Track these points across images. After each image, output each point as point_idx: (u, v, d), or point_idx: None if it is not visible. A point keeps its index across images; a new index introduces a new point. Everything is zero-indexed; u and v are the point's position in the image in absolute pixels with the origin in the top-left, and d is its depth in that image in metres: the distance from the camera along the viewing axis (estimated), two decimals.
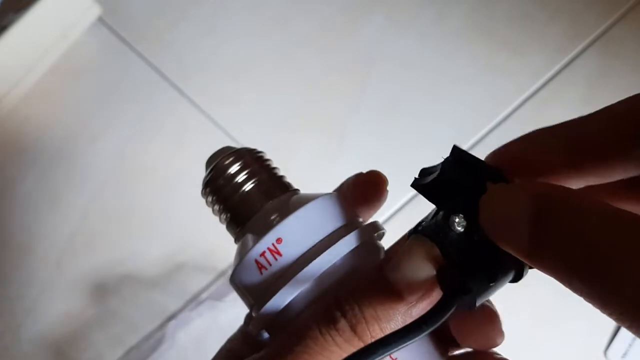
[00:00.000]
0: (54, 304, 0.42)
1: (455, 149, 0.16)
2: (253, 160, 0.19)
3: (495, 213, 0.13)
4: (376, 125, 0.49)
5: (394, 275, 0.14)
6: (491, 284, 0.15)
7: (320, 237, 0.17)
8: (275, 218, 0.18)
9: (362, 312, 0.14)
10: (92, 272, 0.43)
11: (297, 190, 0.20)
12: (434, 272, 0.14)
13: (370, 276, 0.15)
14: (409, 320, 0.14)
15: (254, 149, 0.20)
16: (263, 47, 0.53)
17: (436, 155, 0.43)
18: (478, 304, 0.15)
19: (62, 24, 0.51)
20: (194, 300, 0.42)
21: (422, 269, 0.14)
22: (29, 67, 0.50)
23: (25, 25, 0.48)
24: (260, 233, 0.17)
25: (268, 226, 0.17)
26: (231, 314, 0.40)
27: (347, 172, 0.50)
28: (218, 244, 0.44)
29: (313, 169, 0.47)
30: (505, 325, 0.45)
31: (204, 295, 0.42)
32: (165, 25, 0.55)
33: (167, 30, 0.54)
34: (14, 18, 0.48)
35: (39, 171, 0.47)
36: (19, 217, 0.46)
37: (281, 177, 0.20)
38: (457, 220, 0.14)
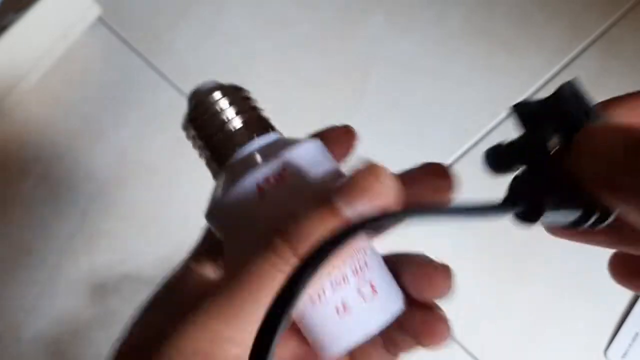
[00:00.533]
0: (54, 303, 0.42)
1: (572, 84, 0.16)
2: (240, 98, 0.19)
3: (595, 146, 0.14)
4: (376, 125, 0.49)
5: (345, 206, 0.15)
6: (559, 209, 0.15)
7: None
8: (269, 152, 0.18)
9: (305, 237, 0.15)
10: (92, 272, 0.43)
11: (279, 132, 0.20)
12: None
13: (320, 203, 0.15)
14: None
15: (241, 87, 0.20)
16: (263, 48, 0.53)
17: (436, 156, 0.43)
18: (540, 221, 0.15)
19: (62, 24, 0.51)
20: None
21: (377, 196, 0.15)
22: (30, 67, 0.50)
23: (26, 26, 0.48)
24: (251, 165, 0.17)
25: (263, 158, 0.17)
26: None
27: (347, 172, 0.50)
28: None
29: None
30: (506, 325, 0.45)
31: None
32: (165, 25, 0.55)
33: (167, 30, 0.54)
34: (14, 18, 0.48)
35: (40, 171, 0.47)
36: (19, 216, 0.46)
37: (267, 118, 0.20)
38: (553, 139, 0.15)
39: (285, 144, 0.18)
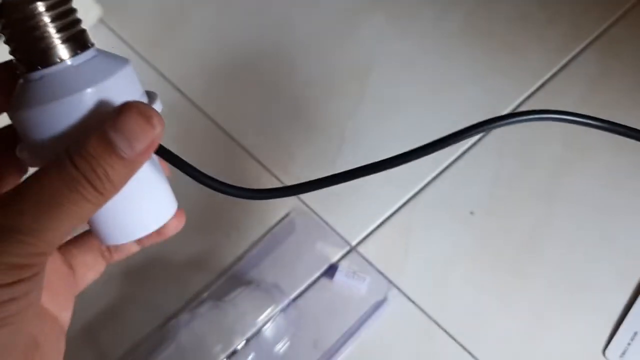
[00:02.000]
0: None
1: None
2: (61, 9, 0.18)
3: None
4: (376, 125, 0.49)
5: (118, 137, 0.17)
6: None
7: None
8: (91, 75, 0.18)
9: (86, 160, 0.17)
10: None
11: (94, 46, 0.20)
12: (155, 130, 0.18)
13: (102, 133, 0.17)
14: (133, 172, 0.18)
15: None
16: (263, 48, 0.54)
17: (435, 155, 0.43)
18: None
19: None
20: (195, 300, 0.42)
21: (146, 130, 0.18)
22: None
23: None
24: (72, 87, 0.18)
25: (82, 82, 0.18)
26: (232, 314, 0.40)
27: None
28: (218, 243, 0.44)
29: (313, 169, 0.47)
30: (505, 324, 0.45)
31: (204, 295, 0.42)
32: (166, 26, 0.55)
33: (168, 31, 0.55)
34: None
35: None
36: None
37: (83, 30, 0.20)
38: None
39: (101, 66, 0.19)
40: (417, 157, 0.21)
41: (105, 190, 0.17)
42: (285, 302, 0.41)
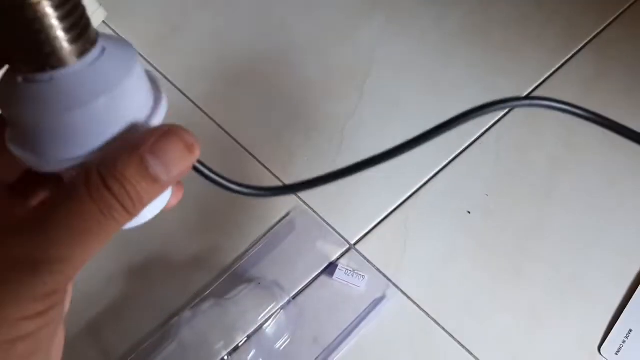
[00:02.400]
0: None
1: None
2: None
3: None
4: (375, 125, 0.49)
5: (155, 164, 0.17)
6: None
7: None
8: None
9: (121, 183, 0.16)
10: (95, 271, 0.44)
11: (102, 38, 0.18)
12: (193, 158, 0.18)
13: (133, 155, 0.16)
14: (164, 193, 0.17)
15: None
16: (264, 50, 0.54)
17: (434, 155, 0.44)
18: None
19: None
20: (197, 298, 0.42)
21: (185, 158, 0.17)
22: None
23: None
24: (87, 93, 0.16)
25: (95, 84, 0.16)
26: (233, 311, 0.40)
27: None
28: (220, 242, 0.45)
29: (313, 169, 0.48)
30: (501, 322, 0.46)
31: (206, 293, 0.43)
32: (169, 29, 0.55)
33: (171, 33, 0.55)
34: None
35: None
36: None
37: (90, 22, 0.17)
38: None
39: (114, 63, 0.17)
40: (411, 149, 0.20)
41: (136, 211, 0.17)
42: (286, 299, 0.41)
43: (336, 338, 0.41)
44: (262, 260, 0.44)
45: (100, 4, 0.54)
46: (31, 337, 0.16)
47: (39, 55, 0.16)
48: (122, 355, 0.41)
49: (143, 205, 0.17)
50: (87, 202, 0.16)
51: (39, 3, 0.15)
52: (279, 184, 0.47)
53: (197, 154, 0.18)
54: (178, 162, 0.17)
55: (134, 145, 0.16)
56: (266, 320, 0.40)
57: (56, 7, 0.16)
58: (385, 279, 0.43)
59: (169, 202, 0.22)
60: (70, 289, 0.24)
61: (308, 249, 0.44)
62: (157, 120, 0.18)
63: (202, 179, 0.21)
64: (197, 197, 0.46)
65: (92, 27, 0.17)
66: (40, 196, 0.20)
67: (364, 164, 0.21)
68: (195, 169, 0.19)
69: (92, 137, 0.17)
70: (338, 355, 0.40)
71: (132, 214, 0.17)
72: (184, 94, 0.52)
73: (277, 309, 0.41)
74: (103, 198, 0.16)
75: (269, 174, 0.47)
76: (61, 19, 0.16)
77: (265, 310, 0.41)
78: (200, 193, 0.47)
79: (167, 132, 0.17)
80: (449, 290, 0.43)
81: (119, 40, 0.19)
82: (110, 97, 0.16)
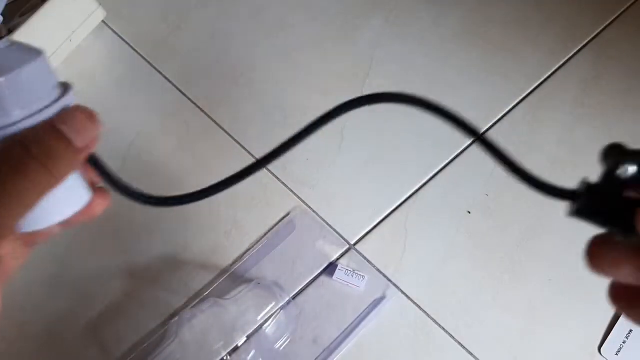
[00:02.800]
0: (59, 301, 0.43)
1: None
2: None
3: None
4: (375, 126, 0.49)
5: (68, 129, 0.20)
6: (591, 216, 0.18)
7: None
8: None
9: (38, 144, 0.19)
10: (96, 270, 0.44)
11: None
12: (96, 126, 0.21)
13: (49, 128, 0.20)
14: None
15: None
16: (264, 50, 0.54)
17: (433, 155, 0.44)
18: (570, 212, 0.18)
19: (67, 27, 0.52)
20: (197, 298, 0.42)
21: (89, 124, 0.21)
22: None
23: (31, 29, 0.49)
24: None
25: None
26: (233, 311, 0.40)
27: (347, 172, 0.51)
28: (220, 242, 0.45)
29: (313, 169, 0.48)
30: (502, 322, 0.46)
31: (206, 293, 0.43)
32: (168, 29, 0.55)
33: (170, 33, 0.55)
34: (19, 22, 0.49)
35: None
36: None
37: None
38: (626, 168, 0.17)
39: (15, 58, 0.20)
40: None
41: (58, 172, 0.19)
42: (286, 299, 0.41)
43: (336, 338, 0.41)
44: (262, 260, 0.44)
45: (100, 4, 0.54)
46: None
47: None
48: (122, 355, 0.41)
49: (62, 165, 0.19)
50: (2, 165, 0.18)
51: None
52: (279, 183, 0.47)
53: (99, 125, 0.21)
54: (85, 127, 0.20)
55: (47, 121, 0.20)
56: (266, 320, 0.40)
57: None
58: (385, 279, 0.43)
59: (94, 209, 0.24)
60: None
61: (308, 249, 0.44)
62: (54, 111, 0.21)
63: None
64: None
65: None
66: None
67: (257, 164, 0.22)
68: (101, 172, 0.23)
69: None
70: (338, 355, 0.40)
71: (53, 173, 0.19)
72: (184, 94, 0.52)
73: (277, 309, 0.41)
74: (19, 160, 0.18)
75: (269, 174, 0.47)
76: None
77: (265, 310, 0.41)
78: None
79: (71, 107, 0.21)
80: (448, 290, 0.43)
81: (30, 45, 0.22)
82: (9, 78, 0.19)
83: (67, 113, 0.20)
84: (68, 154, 0.20)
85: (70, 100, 0.21)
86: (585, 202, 0.18)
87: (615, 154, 0.18)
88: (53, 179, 0.19)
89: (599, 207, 0.18)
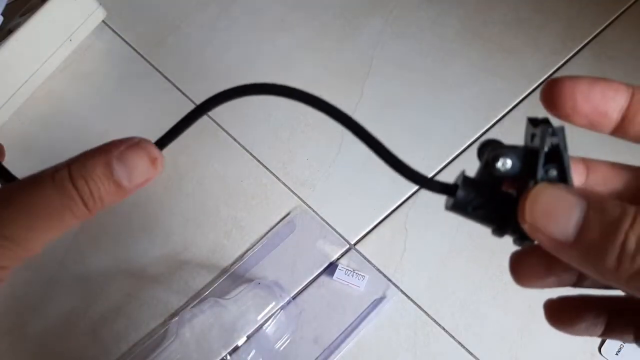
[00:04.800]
0: (59, 301, 0.43)
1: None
2: None
3: (543, 204, 0.16)
4: (374, 126, 0.49)
5: (120, 168, 0.18)
6: (469, 210, 0.18)
7: None
8: None
9: (86, 181, 0.18)
10: (96, 270, 0.44)
11: None
12: (155, 172, 0.19)
13: (102, 158, 0.18)
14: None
15: None
16: (264, 50, 0.54)
17: (433, 155, 0.44)
18: (446, 206, 0.19)
19: (67, 27, 0.52)
20: (197, 298, 0.42)
21: (148, 169, 0.19)
22: (35, 69, 0.51)
23: (32, 29, 0.49)
24: None
25: None
26: (233, 311, 0.40)
27: (347, 172, 0.51)
28: (220, 242, 0.45)
29: (313, 169, 0.48)
30: (502, 322, 0.46)
31: (206, 293, 0.43)
32: (168, 29, 0.56)
33: (170, 33, 0.55)
34: (20, 22, 0.49)
35: None
36: None
37: None
38: (505, 161, 0.17)
39: None
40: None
41: (95, 209, 0.18)
42: (286, 299, 0.41)
43: (336, 338, 0.41)
44: (262, 260, 0.44)
45: (100, 4, 0.54)
46: None
47: None
48: (122, 355, 0.41)
49: (102, 206, 0.18)
50: (50, 192, 0.17)
51: None
52: (279, 183, 0.47)
53: (160, 169, 0.19)
54: (141, 172, 0.19)
55: (105, 150, 0.18)
56: (266, 320, 0.41)
57: None
58: (385, 279, 0.43)
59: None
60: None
61: (308, 248, 0.44)
62: None
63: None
64: (197, 197, 0.46)
65: None
66: None
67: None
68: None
69: None
70: (338, 355, 0.40)
71: (91, 212, 0.18)
72: (184, 94, 0.52)
73: (277, 309, 0.41)
74: (66, 191, 0.17)
75: (269, 174, 0.47)
76: None
77: (265, 310, 0.41)
78: (198, 193, 0.47)
79: (136, 143, 0.19)
80: (448, 290, 0.43)
81: None
82: None
83: (130, 151, 0.19)
84: (111, 196, 0.18)
85: None
86: (462, 196, 0.18)
87: (491, 148, 0.18)
88: (88, 216, 0.18)
89: (477, 201, 0.18)
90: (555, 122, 0.18)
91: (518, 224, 0.16)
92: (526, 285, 0.19)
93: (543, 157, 0.16)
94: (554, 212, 0.15)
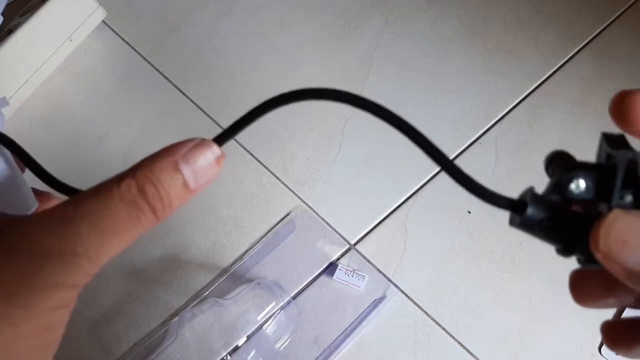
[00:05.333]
0: None
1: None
2: None
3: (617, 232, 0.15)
4: (374, 126, 0.49)
5: (187, 166, 0.18)
6: (536, 229, 0.17)
7: None
8: None
9: (155, 186, 0.17)
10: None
11: None
12: (219, 169, 0.19)
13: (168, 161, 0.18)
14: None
15: None
16: (264, 50, 0.54)
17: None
18: (512, 222, 0.17)
19: (67, 27, 0.52)
20: (197, 298, 0.42)
21: (213, 168, 0.18)
22: (35, 69, 0.51)
23: (32, 29, 0.49)
24: None
25: None
26: (233, 311, 0.40)
27: (347, 172, 0.52)
28: (220, 242, 0.45)
29: (313, 169, 0.48)
30: (501, 322, 0.46)
31: (206, 293, 0.43)
32: (168, 29, 0.56)
33: (170, 33, 0.55)
34: (20, 22, 0.49)
35: None
36: None
37: None
38: (578, 183, 0.16)
39: None
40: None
41: (163, 215, 0.18)
42: (286, 299, 0.41)
43: (336, 338, 0.41)
44: (262, 260, 0.44)
45: (100, 4, 0.54)
46: (57, 327, 0.17)
47: None
48: (123, 354, 0.41)
49: (171, 209, 0.18)
50: (117, 203, 0.17)
51: None
52: (279, 183, 0.47)
53: (221, 166, 0.19)
54: (207, 171, 0.18)
55: (169, 153, 0.18)
56: (266, 320, 0.41)
57: None
58: (385, 279, 0.43)
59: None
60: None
61: (308, 248, 0.44)
62: None
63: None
64: (195, 198, 0.46)
65: None
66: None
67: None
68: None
69: None
70: (338, 355, 0.40)
71: (159, 218, 0.17)
72: (184, 94, 0.52)
73: (277, 309, 0.41)
74: (134, 200, 0.17)
75: (269, 174, 0.47)
76: None
77: (266, 310, 0.41)
78: (198, 193, 0.47)
79: (200, 143, 0.19)
80: (449, 290, 0.43)
81: None
82: None
83: (195, 150, 0.18)
84: (180, 198, 0.18)
85: (2, 104, 0.21)
86: (531, 214, 0.17)
87: (562, 164, 0.17)
88: (155, 223, 0.17)
89: (546, 221, 0.17)
90: (631, 139, 0.18)
91: (587, 246, 0.16)
92: (585, 305, 0.19)
93: (620, 182, 0.16)
94: (630, 242, 0.15)
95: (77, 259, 0.16)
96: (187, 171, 0.18)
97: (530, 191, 0.17)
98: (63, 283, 0.16)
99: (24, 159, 0.21)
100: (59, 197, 0.22)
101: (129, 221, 0.17)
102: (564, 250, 0.17)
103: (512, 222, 0.18)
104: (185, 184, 0.18)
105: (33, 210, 0.23)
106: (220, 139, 0.20)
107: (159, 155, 0.17)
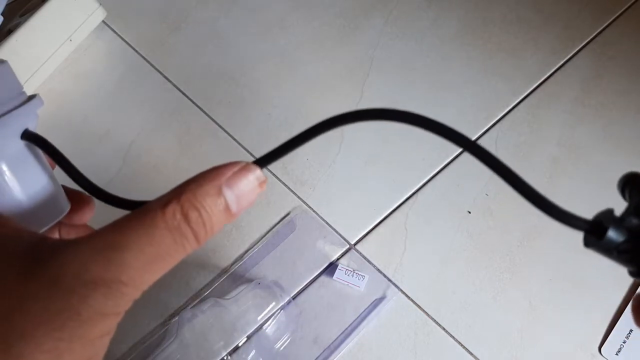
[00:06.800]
0: None
1: None
2: None
3: None
4: (374, 126, 0.49)
5: (229, 192, 0.18)
6: (613, 253, 0.17)
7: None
8: None
9: (198, 211, 0.17)
10: None
11: None
12: (260, 192, 0.19)
13: (210, 186, 0.18)
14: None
15: None
16: (264, 50, 0.54)
17: (433, 156, 0.44)
18: (588, 244, 0.17)
19: (67, 27, 0.52)
20: (197, 298, 0.42)
21: (254, 192, 0.19)
22: (35, 69, 0.51)
23: (31, 29, 0.49)
24: None
25: None
26: (233, 311, 0.40)
27: (347, 172, 0.51)
28: (220, 242, 0.45)
29: (313, 169, 0.48)
30: (501, 322, 0.46)
31: (206, 293, 0.43)
32: (168, 29, 0.56)
33: (170, 33, 0.55)
34: (20, 22, 0.49)
35: None
36: None
37: None
38: None
39: None
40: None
41: (204, 240, 0.17)
42: (286, 299, 0.41)
43: (336, 338, 0.41)
44: (263, 260, 0.44)
45: (100, 4, 0.54)
46: (98, 355, 0.17)
47: None
48: (123, 354, 0.41)
49: (212, 234, 0.18)
50: (162, 230, 0.16)
51: None
52: (280, 184, 0.47)
53: (264, 189, 0.19)
54: (248, 195, 0.18)
55: (212, 177, 0.18)
56: (266, 320, 0.40)
57: None
58: (385, 279, 0.43)
59: (75, 219, 0.24)
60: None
61: (308, 249, 0.44)
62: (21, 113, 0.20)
63: None
64: None
65: None
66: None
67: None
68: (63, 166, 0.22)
69: None
70: (338, 356, 0.40)
71: (200, 243, 0.17)
72: (184, 94, 0.52)
73: (277, 309, 0.41)
74: (178, 227, 0.17)
75: (269, 174, 0.47)
76: None
77: (266, 310, 0.41)
78: None
79: (244, 167, 0.19)
80: (448, 290, 0.43)
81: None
82: None
83: (239, 175, 0.18)
84: (221, 222, 0.18)
85: (38, 104, 0.20)
86: (611, 238, 0.17)
87: (637, 185, 0.17)
88: (197, 247, 0.17)
89: (624, 245, 0.16)
90: None
91: None
92: None
93: None
94: None
95: (122, 287, 0.16)
96: (229, 195, 0.18)
97: (609, 213, 0.17)
98: (108, 312, 0.16)
99: (62, 164, 0.22)
100: (88, 195, 0.23)
101: (173, 248, 0.17)
102: (639, 273, 0.17)
103: (587, 244, 0.18)
104: (227, 208, 0.18)
105: (66, 212, 0.23)
106: (263, 162, 0.20)
107: (203, 179, 0.17)
